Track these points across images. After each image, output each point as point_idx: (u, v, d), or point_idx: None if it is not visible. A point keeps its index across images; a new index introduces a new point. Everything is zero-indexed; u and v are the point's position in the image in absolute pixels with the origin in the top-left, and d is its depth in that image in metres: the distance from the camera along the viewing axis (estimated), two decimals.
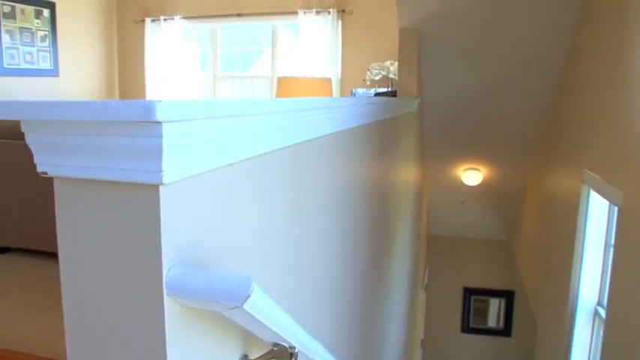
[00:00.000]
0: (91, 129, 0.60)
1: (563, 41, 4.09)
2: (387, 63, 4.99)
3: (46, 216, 3.65)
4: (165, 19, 7.64)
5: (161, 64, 7.73)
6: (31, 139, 0.66)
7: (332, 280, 1.59)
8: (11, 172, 3.73)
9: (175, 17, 7.59)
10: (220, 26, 7.67)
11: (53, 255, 3.64)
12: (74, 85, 7.36)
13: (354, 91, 6.41)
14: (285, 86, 3.69)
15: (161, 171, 0.59)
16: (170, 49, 7.65)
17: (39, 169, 0.68)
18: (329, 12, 6.84)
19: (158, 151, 0.58)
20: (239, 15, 7.31)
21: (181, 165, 0.63)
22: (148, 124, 0.56)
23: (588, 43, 3.73)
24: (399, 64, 4.08)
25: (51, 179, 0.67)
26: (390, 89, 5.01)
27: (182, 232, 0.66)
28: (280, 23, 7.34)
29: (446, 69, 4.69)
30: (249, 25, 7.62)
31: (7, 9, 6.27)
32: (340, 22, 6.89)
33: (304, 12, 6.93)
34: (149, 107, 0.55)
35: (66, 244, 0.67)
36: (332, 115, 1.41)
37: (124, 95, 8.23)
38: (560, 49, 4.16)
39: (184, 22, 7.61)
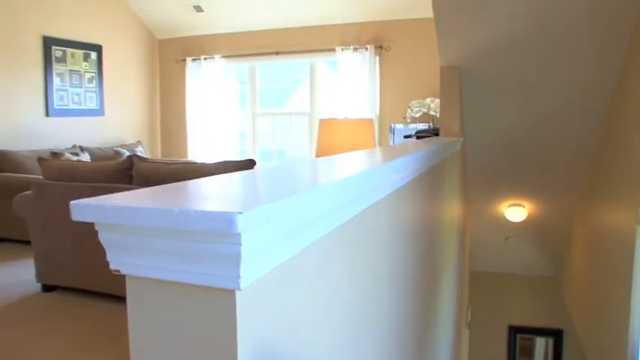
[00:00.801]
0: (168, 234, 0.59)
1: (610, 76, 4.00)
2: (428, 100, 4.97)
3: (90, 257, 3.72)
4: (205, 59, 7.82)
5: (201, 102, 7.88)
6: (104, 237, 0.66)
7: (388, 337, 1.55)
8: (60, 213, 3.82)
9: (215, 56, 7.76)
10: (259, 64, 7.79)
11: (97, 294, 3.68)
12: (118, 124, 7.56)
13: (392, 126, 6.40)
14: (326, 128, 3.69)
15: (239, 277, 0.57)
16: (210, 87, 7.80)
17: (111, 266, 0.67)
18: (366, 48, 6.88)
19: (236, 258, 0.57)
20: (277, 53, 7.43)
21: (255, 267, 0.62)
22: (228, 235, 0.56)
23: (636, 79, 3.64)
24: (441, 104, 4.05)
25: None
26: (431, 126, 4.97)
27: (256, 333, 0.64)
28: (318, 60, 7.42)
29: (488, 106, 4.64)
30: (287, 63, 7.73)
31: (58, 53, 6.52)
32: (378, 58, 6.92)
33: (342, 49, 6.99)
34: (231, 220, 0.54)
35: (137, 341, 0.66)
36: (393, 176, 1.38)
37: (165, 132, 8.40)
38: (606, 84, 4.07)
39: (224, 60, 7.77)
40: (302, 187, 0.78)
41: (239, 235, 0.55)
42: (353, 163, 1.30)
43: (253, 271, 0.60)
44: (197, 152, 7.94)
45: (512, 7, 3.51)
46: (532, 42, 3.84)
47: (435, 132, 4.68)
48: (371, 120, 3.88)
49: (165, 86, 8.34)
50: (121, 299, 3.73)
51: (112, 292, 3.73)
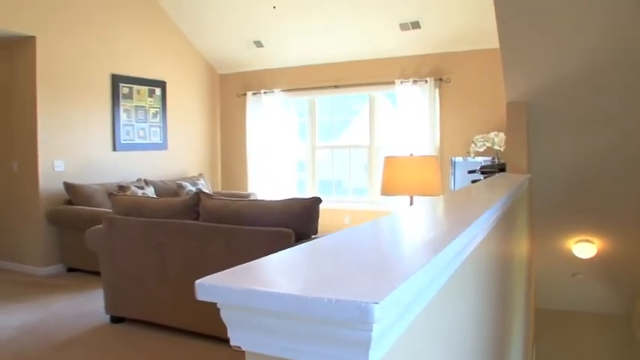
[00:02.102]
0: (297, 318, 0.58)
1: None
2: (492, 134, 4.89)
3: (155, 291, 3.78)
4: (265, 92, 7.97)
5: (261, 135, 8.01)
6: (227, 316, 0.66)
7: None
8: (128, 247, 3.92)
9: (275, 90, 7.90)
10: (318, 97, 7.88)
11: (162, 327, 3.72)
12: (181, 157, 7.75)
13: (453, 160, 6.31)
14: (391, 165, 3.67)
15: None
16: (270, 120, 7.93)
17: (232, 342, 0.67)
18: (426, 81, 6.86)
19: (366, 344, 0.56)
20: (336, 86, 7.49)
21: (380, 347, 0.60)
22: (362, 323, 0.54)
23: None
24: (507, 140, 3.97)
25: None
26: (496, 160, 4.87)
27: None
28: (377, 93, 7.44)
29: (556, 140, 4.52)
30: (345, 96, 7.78)
31: (125, 90, 6.78)
32: (438, 90, 6.87)
33: (401, 81, 6.99)
34: (367, 310, 0.53)
35: None
36: (481, 226, 1.35)
37: (226, 165, 8.56)
38: None
39: (283, 94, 7.90)
40: (419, 258, 0.76)
41: (373, 323, 0.54)
42: (449, 221, 1.27)
43: (379, 351, 0.59)
44: (257, 184, 8.04)
45: (587, 40, 3.42)
46: (601, 72, 3.72)
47: (500, 167, 4.59)
48: (436, 157, 3.84)
49: (226, 120, 8.54)
50: (185, 332, 3.77)
51: (176, 326, 3.78)
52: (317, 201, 3.32)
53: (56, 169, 5.95)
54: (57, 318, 4.32)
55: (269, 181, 7.95)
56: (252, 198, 7.22)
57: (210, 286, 0.62)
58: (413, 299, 0.72)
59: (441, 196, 1.91)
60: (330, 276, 0.67)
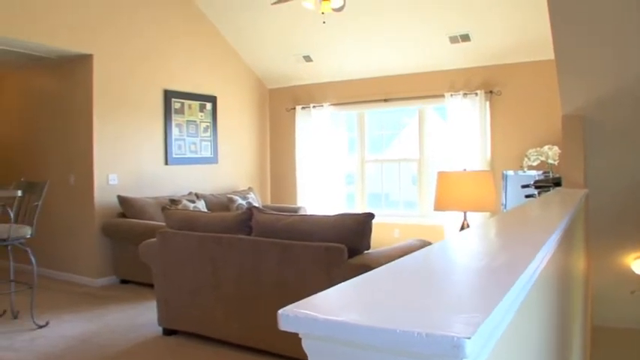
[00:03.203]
0: (383, 351, 0.57)
1: None
2: (545, 148, 4.74)
3: (206, 305, 3.82)
4: (314, 106, 8.01)
5: (310, 148, 8.04)
6: (309, 346, 0.65)
7: None
8: (180, 261, 3.98)
9: (324, 104, 7.93)
10: (367, 111, 7.87)
11: (212, 340, 3.74)
12: (231, 171, 7.86)
13: (505, 173, 6.18)
14: (445, 180, 3.62)
15: None
16: (319, 134, 7.96)
17: None
18: (476, 94, 6.76)
19: None
20: (386, 100, 7.46)
21: None
22: (453, 358, 0.53)
23: None
24: (563, 154, 3.86)
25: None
26: (550, 174, 4.74)
27: None
28: (427, 106, 7.37)
29: (613, 155, 4.37)
30: (395, 110, 7.74)
31: (177, 105, 6.94)
32: (488, 103, 6.76)
33: (451, 94, 6.91)
34: (459, 345, 0.52)
35: None
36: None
37: (275, 178, 8.63)
38: None
39: (332, 108, 7.92)
40: (500, 286, 0.73)
41: (464, 358, 0.52)
42: (518, 244, 1.23)
43: None
44: (306, 198, 8.07)
45: None
46: None
47: (554, 181, 4.46)
48: (490, 172, 3.77)
49: (275, 134, 8.62)
50: (236, 346, 3.79)
51: (228, 340, 3.80)
52: (370, 216, 3.29)
53: (110, 182, 6.12)
54: (111, 329, 4.41)
55: (318, 195, 7.96)
56: (301, 212, 7.23)
57: (293, 317, 0.62)
58: (495, 328, 0.69)
59: (499, 215, 1.87)
60: (415, 307, 0.65)
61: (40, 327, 4.44)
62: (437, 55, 6.85)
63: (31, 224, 4.53)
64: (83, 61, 5.98)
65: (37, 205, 4.54)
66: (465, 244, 1.15)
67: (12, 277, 4.78)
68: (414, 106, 7.45)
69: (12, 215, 4.34)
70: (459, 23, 6.23)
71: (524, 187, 4.51)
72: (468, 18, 6.12)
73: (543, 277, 1.45)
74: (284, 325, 0.63)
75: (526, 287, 1.02)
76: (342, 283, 0.75)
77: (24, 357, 3.82)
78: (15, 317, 4.68)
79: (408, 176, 7.86)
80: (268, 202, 8.49)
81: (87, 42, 5.87)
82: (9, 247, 4.56)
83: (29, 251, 4.49)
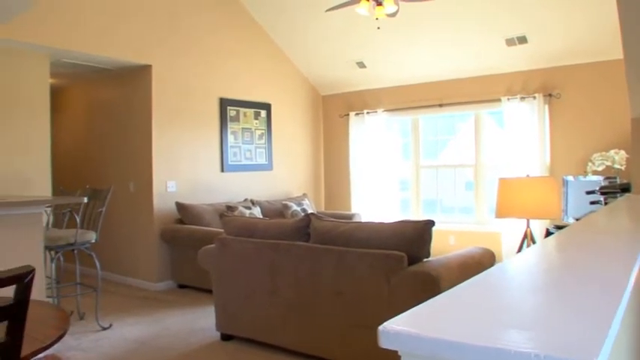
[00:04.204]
0: None
1: None
2: (612, 152, 4.59)
3: (262, 311, 3.83)
4: (368, 113, 7.98)
5: (364, 154, 8.01)
6: None
7: None
8: (237, 267, 4.01)
9: (378, 110, 7.89)
10: (422, 116, 7.78)
11: (269, 346, 3.76)
12: (285, 177, 7.91)
13: (565, 179, 5.99)
14: (506, 187, 3.53)
15: None
16: (373, 140, 7.92)
17: None
18: (534, 97, 6.58)
19: None
20: (440, 105, 7.36)
21: None
22: None
23: None
24: (633, 158, 3.70)
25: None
26: (617, 180, 4.56)
27: None
28: (482, 111, 7.23)
29: None
30: (450, 115, 7.63)
31: (232, 113, 7.04)
32: (547, 106, 6.57)
33: (508, 98, 6.75)
34: None
35: None
36: None
37: (329, 184, 8.63)
38: None
39: (386, 114, 7.87)
40: (610, 302, 0.69)
41: None
42: (610, 257, 1.17)
43: None
44: (360, 204, 8.04)
45: None
46: None
47: (622, 187, 4.27)
48: (553, 178, 3.65)
49: (329, 140, 8.63)
50: (293, 353, 3.79)
51: (285, 346, 3.80)
52: (430, 223, 3.24)
53: (169, 189, 6.25)
54: (170, 333, 4.49)
55: (372, 201, 7.91)
56: (356, 218, 7.21)
57: (394, 334, 0.59)
58: (611, 348, 0.65)
59: (576, 225, 1.79)
60: (521, 324, 0.62)
61: (104, 329, 4.58)
62: (493, 58, 6.71)
63: (95, 229, 4.68)
64: (142, 72, 6.15)
65: (101, 211, 4.69)
66: (554, 256, 1.10)
67: (78, 280, 4.96)
68: (469, 111, 7.32)
69: (78, 220, 4.50)
70: (515, 25, 6.09)
71: (588, 193, 4.34)
72: (524, 19, 5.97)
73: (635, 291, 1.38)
74: (384, 343, 0.61)
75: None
76: (434, 298, 0.73)
77: (90, 357, 3.95)
78: (81, 318, 4.85)
79: (462, 182, 7.73)
80: (322, 209, 8.50)
81: (146, 53, 6.04)
82: (75, 251, 4.73)
83: (94, 255, 4.64)
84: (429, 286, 3.01)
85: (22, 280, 1.45)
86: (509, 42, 6.35)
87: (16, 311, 1.46)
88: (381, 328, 0.61)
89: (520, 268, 0.88)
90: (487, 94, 6.98)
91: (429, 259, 3.34)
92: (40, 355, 1.73)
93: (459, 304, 0.70)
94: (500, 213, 3.62)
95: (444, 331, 0.57)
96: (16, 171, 5.18)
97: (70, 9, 5.35)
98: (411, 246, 3.23)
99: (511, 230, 6.55)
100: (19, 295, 1.46)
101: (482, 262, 3.66)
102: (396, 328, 0.59)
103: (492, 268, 0.95)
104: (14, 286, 1.46)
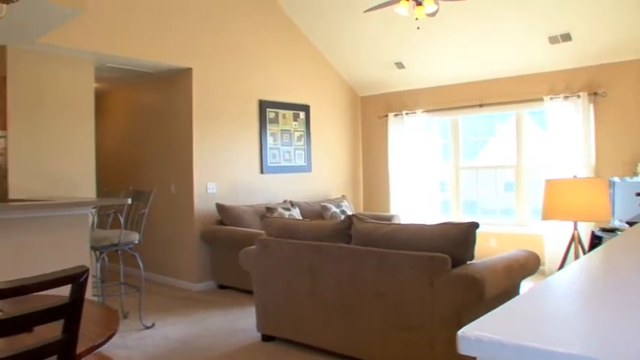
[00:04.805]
0: None
1: None
2: None
3: (303, 312, 3.83)
4: (407, 113, 7.92)
5: (403, 156, 7.96)
6: None
7: None
8: (279, 268, 4.02)
9: (417, 111, 7.83)
10: (461, 117, 7.68)
11: (310, 347, 3.75)
12: (324, 179, 7.91)
13: (612, 180, 5.82)
14: (553, 188, 3.44)
15: None
16: (412, 141, 7.86)
17: None
18: (578, 96, 6.42)
19: None
20: (481, 105, 7.26)
21: None
22: None
23: None
24: None
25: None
26: None
27: None
28: (524, 111, 7.09)
29: None
30: (490, 115, 7.51)
31: (272, 115, 7.08)
32: (592, 105, 6.40)
33: (550, 97, 6.60)
34: None
35: None
36: None
37: (367, 186, 8.60)
38: None
39: (425, 115, 7.80)
40: None
41: None
42: None
43: None
44: (399, 205, 7.98)
45: None
46: None
47: None
48: (603, 179, 3.54)
49: (368, 141, 8.60)
50: (334, 354, 3.77)
51: (325, 348, 3.79)
52: (474, 226, 3.19)
53: (209, 191, 6.32)
54: (211, 333, 4.53)
55: (411, 203, 7.85)
56: (395, 220, 7.15)
57: (475, 340, 0.57)
58: None
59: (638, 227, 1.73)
60: (614, 330, 0.59)
61: (147, 328, 4.66)
62: (535, 56, 6.57)
63: (138, 230, 4.76)
64: (183, 75, 6.24)
65: (144, 212, 4.77)
66: (624, 260, 1.06)
67: (122, 280, 5.06)
68: (510, 111, 7.19)
69: (122, 221, 4.58)
70: (559, 22, 5.95)
71: (639, 194, 4.22)
72: (569, 16, 5.83)
73: None
74: (464, 349, 0.59)
75: None
76: (509, 303, 0.70)
77: (134, 355, 4.01)
78: (125, 317, 4.94)
79: (501, 183, 7.60)
80: (361, 210, 8.48)
81: (187, 56, 6.12)
82: (119, 252, 4.82)
83: (137, 256, 4.72)
84: (474, 289, 2.96)
85: (78, 279, 1.48)
86: (553, 40, 6.22)
87: (72, 310, 1.48)
88: (460, 333, 0.59)
89: (598, 271, 0.85)
90: (529, 94, 6.85)
91: (473, 261, 3.29)
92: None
93: (540, 309, 0.67)
94: (547, 215, 3.54)
95: (526, 338, 0.55)
96: (64, 173, 5.32)
97: (114, 15, 5.46)
98: (455, 248, 3.18)
99: (554, 233, 6.41)
100: (75, 295, 1.48)
101: (527, 265, 3.59)
102: (477, 333, 0.57)
103: (564, 270, 0.92)
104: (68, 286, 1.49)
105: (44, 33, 4.75)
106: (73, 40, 5.14)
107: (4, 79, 5.01)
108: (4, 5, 2.68)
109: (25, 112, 5.10)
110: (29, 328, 1.59)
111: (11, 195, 4.91)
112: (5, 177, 5.06)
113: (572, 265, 0.98)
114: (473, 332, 0.57)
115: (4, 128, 5.02)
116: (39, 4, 3.89)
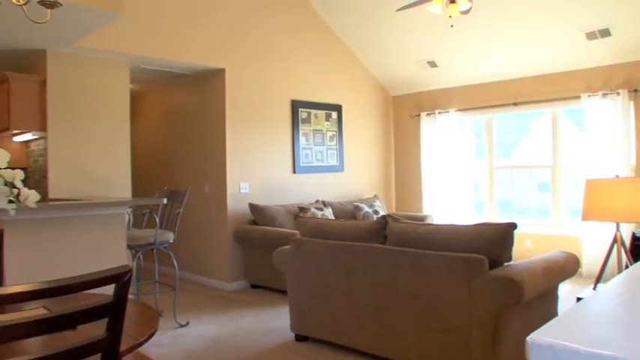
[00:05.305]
0: None
1: None
2: None
3: (338, 312, 3.81)
4: (439, 112, 7.84)
5: (436, 155, 7.88)
6: None
7: None
8: (313, 268, 4.01)
9: (450, 110, 7.74)
10: (495, 116, 7.57)
11: (344, 348, 3.73)
12: (356, 179, 7.89)
13: None
14: (593, 188, 3.36)
15: None
16: (445, 140, 7.78)
17: None
18: (618, 93, 6.26)
19: None
20: (515, 104, 7.14)
21: None
22: None
23: None
24: None
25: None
26: None
27: None
28: (560, 109, 6.95)
29: None
30: (525, 114, 7.38)
31: (304, 115, 7.09)
32: (632, 103, 6.23)
33: (588, 95, 6.46)
34: None
35: None
36: None
37: (400, 186, 8.55)
38: None
39: (458, 114, 7.71)
40: None
41: None
42: None
43: None
44: (432, 205, 7.90)
45: None
46: None
47: None
48: None
49: (400, 141, 8.54)
50: (368, 355, 3.75)
51: (359, 348, 3.77)
52: (512, 226, 3.13)
53: (242, 191, 6.36)
54: (245, 332, 4.55)
55: (444, 203, 7.77)
56: (428, 220, 7.08)
57: (547, 347, 0.55)
58: None
59: None
60: None
61: (182, 326, 4.70)
62: (572, 53, 6.43)
63: (173, 230, 4.81)
64: (216, 76, 6.29)
65: (179, 212, 4.82)
66: None
67: (157, 279, 5.12)
68: (546, 109, 7.05)
69: (157, 221, 4.63)
70: (596, 18, 5.80)
71: None
72: (607, 11, 5.67)
73: None
74: (534, 356, 0.56)
75: None
76: (574, 307, 0.67)
77: (169, 352, 4.06)
78: (160, 315, 4.99)
79: (536, 183, 7.46)
80: (393, 210, 8.42)
81: (220, 57, 6.16)
82: (154, 251, 4.88)
83: (172, 255, 4.77)
84: (512, 291, 2.91)
85: (122, 279, 1.49)
86: (590, 36, 6.07)
87: (116, 309, 1.50)
88: (529, 339, 0.57)
89: None
90: (565, 92, 6.70)
91: (510, 263, 3.23)
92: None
93: (610, 315, 0.64)
94: (588, 215, 3.45)
95: (602, 346, 0.52)
96: (101, 174, 5.41)
97: (148, 17, 5.53)
98: (492, 249, 3.13)
99: (592, 234, 6.26)
100: (119, 294, 1.50)
101: (566, 267, 3.51)
102: (549, 340, 0.55)
103: (623, 274, 0.88)
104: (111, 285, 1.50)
105: (82, 37, 4.84)
106: (109, 42, 5.22)
107: (44, 82, 5.12)
108: (49, 10, 2.73)
109: (63, 114, 5.21)
110: (73, 326, 1.60)
111: (51, 195, 5.02)
112: (45, 177, 5.17)
113: (634, 268, 0.95)
114: (544, 339, 0.55)
115: (44, 130, 5.14)
116: (79, 7, 3.96)
